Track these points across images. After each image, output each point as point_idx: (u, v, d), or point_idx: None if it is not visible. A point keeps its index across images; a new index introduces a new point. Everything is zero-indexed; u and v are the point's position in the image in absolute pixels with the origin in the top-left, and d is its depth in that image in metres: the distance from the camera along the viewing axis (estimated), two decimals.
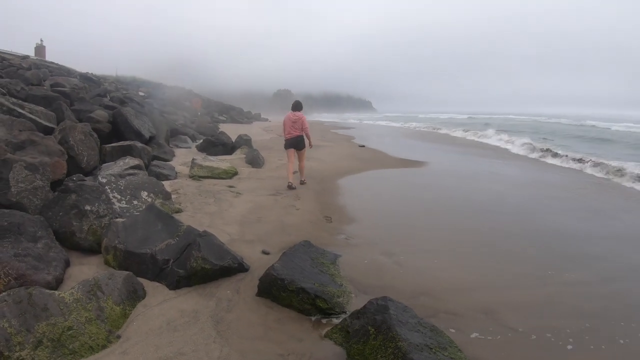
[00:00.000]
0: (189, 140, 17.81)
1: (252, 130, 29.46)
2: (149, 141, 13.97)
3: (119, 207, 6.78)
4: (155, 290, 4.68)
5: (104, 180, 7.14)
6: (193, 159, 11.83)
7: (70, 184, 5.85)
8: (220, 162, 12.20)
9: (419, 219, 8.12)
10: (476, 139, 28.58)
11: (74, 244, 5.53)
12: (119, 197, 6.99)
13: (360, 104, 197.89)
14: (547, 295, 5.02)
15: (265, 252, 5.98)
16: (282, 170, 12.54)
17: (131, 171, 9.37)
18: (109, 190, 6.92)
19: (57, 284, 4.55)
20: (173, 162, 13.28)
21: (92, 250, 5.56)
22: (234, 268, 5.09)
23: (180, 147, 16.89)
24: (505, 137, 26.87)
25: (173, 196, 8.64)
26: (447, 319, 4.38)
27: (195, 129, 23.50)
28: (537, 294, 5.04)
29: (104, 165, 10.23)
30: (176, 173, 11.36)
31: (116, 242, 5.12)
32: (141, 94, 32.90)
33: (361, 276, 5.33)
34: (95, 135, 11.27)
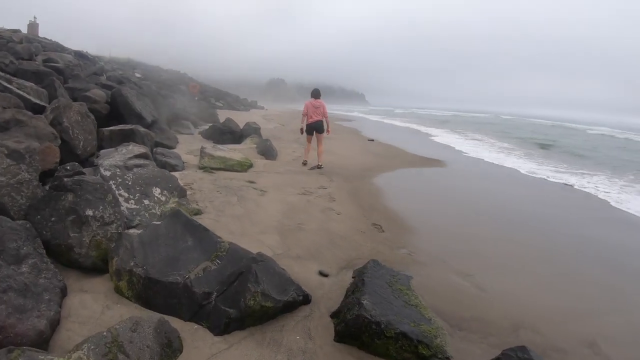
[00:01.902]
0: (190, 126, 16.23)
1: (252, 118, 27.77)
2: (151, 125, 12.44)
3: (127, 208, 5.30)
4: (195, 337, 3.27)
5: (108, 173, 5.64)
6: (202, 148, 10.32)
7: (66, 180, 4.35)
8: (232, 152, 10.70)
9: (476, 228, 6.98)
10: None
11: (72, 261, 4.06)
12: (126, 195, 5.51)
13: (353, 96, 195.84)
14: None
15: (323, 274, 4.63)
16: (299, 164, 11.12)
17: (137, 161, 7.85)
18: (114, 187, 5.43)
19: (51, 330, 3.10)
20: (177, 150, 11.76)
21: (96, 268, 4.10)
22: (298, 302, 3.69)
23: (183, 134, 15.31)
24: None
25: (187, 193, 7.16)
26: (559, 358, 3.68)
27: (195, 114, 21.86)
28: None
29: (102, 152, 8.71)
30: (183, 163, 9.86)
31: (132, 264, 3.65)
32: (137, 75, 31.11)
33: (444, 304, 4.32)
34: (93, 117, 9.75)
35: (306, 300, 3.84)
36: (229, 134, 13.64)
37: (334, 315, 3.70)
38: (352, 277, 4.54)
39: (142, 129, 10.50)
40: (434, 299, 4.35)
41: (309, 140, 11.57)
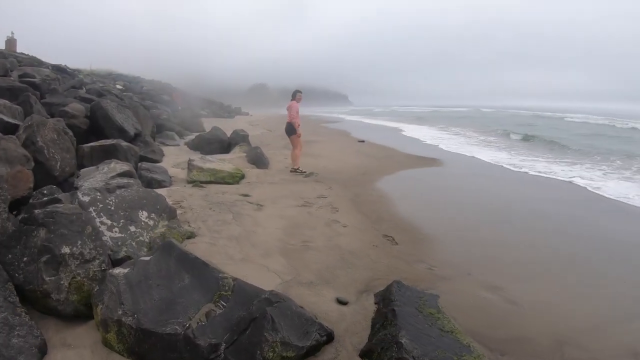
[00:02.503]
0: (176, 136, 15.56)
1: (238, 125, 27.06)
2: (134, 139, 11.76)
3: (111, 238, 4.65)
4: None
5: (87, 199, 4.97)
6: (190, 160, 9.68)
7: (37, 212, 3.71)
8: (222, 163, 10.06)
9: (491, 232, 6.54)
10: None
11: (50, 309, 3.43)
12: (109, 222, 4.86)
13: (336, 97, 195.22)
14: None
15: (341, 302, 4.07)
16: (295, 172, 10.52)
17: (120, 180, 7.19)
18: (94, 214, 4.79)
19: None
20: (164, 163, 11.09)
21: (79, 314, 3.48)
22: (321, 343, 3.12)
23: (168, 145, 14.61)
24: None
25: (177, 212, 6.53)
26: None
27: (180, 124, 21.12)
28: None
29: (82, 171, 8.06)
30: (171, 178, 9.21)
31: (120, 312, 3.05)
32: (118, 86, 30.14)
33: (478, 325, 3.87)
34: (71, 133, 9.08)
35: (330, 338, 3.26)
36: (217, 143, 12.98)
37: (365, 356, 3.14)
38: (375, 303, 4.04)
39: (124, 143, 9.85)
40: (467, 320, 3.89)
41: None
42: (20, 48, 34.88)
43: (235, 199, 7.41)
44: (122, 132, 11.34)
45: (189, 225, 5.95)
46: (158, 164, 10.87)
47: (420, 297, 3.85)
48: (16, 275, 3.49)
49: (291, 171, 10.54)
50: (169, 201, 7.21)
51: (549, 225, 7.00)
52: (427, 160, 13.51)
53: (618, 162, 14.48)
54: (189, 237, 5.48)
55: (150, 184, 8.54)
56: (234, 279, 3.26)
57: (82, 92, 16.01)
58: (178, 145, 14.75)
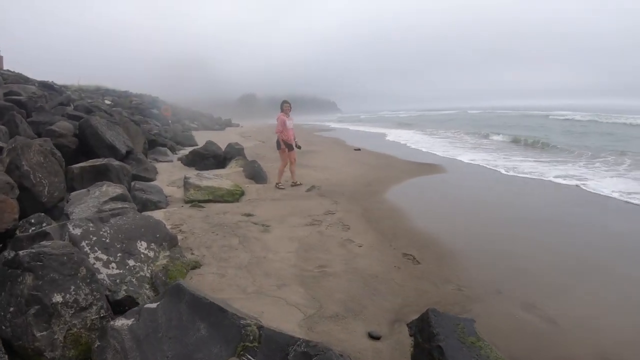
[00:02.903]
0: (168, 152, 15.02)
1: (230, 137, 26.53)
2: (125, 157, 11.24)
3: (108, 275, 4.14)
4: None
5: (78, 232, 4.43)
6: (186, 178, 9.16)
7: (22, 254, 3.18)
8: (219, 180, 9.54)
9: (514, 242, 6.13)
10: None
11: None
12: (104, 257, 4.34)
13: (325, 105, 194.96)
14: None
15: (374, 337, 3.63)
16: (295, 186, 10.00)
17: (113, 205, 6.68)
18: (87, 249, 4.27)
19: None
20: (158, 182, 10.58)
21: None
22: None
23: (161, 162, 14.07)
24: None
25: (178, 237, 6.01)
26: None
27: (172, 139, 20.57)
28: None
29: (73, 195, 7.55)
30: (167, 197, 8.69)
31: None
32: (107, 102, 29.50)
33: (520, 349, 3.56)
34: (59, 154, 8.57)
35: None
36: (212, 158, 12.45)
37: None
38: (410, 335, 3.65)
39: (115, 162, 9.34)
40: (506, 344, 3.59)
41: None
42: (6, 65, 34.12)
43: (239, 219, 6.90)
44: (113, 150, 10.84)
45: (192, 253, 5.44)
46: (152, 183, 10.36)
47: (457, 325, 3.43)
48: (3, 327, 2.98)
49: (283, 185, 10.02)
50: (168, 225, 6.70)
51: (567, 230, 6.64)
52: (429, 167, 13.08)
53: (609, 158, 14.21)
54: (193, 268, 4.97)
55: (146, 205, 8.03)
56: (259, 327, 2.76)
57: (70, 109, 15.46)
58: (171, 161, 14.21)
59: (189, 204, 8.16)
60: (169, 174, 11.46)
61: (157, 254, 4.95)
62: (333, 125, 51.90)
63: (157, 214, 7.43)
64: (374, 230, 6.46)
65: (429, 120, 54.97)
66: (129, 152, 11.47)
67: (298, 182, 10.15)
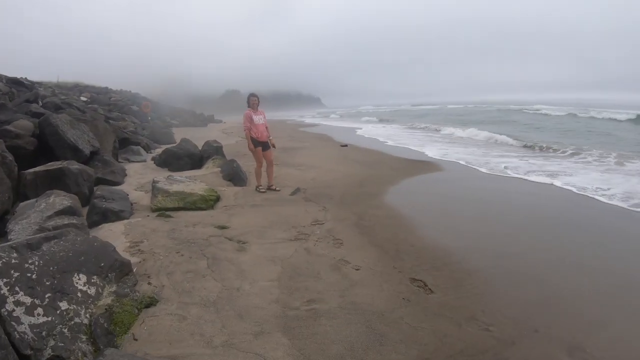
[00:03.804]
0: (142, 151, 13.71)
1: (211, 134, 25.30)
2: (90, 158, 10.00)
3: (30, 327, 3.02)
4: None
5: None
6: (154, 182, 7.97)
7: None
8: (193, 182, 8.35)
9: (540, 258, 5.06)
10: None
11: None
12: (28, 301, 3.21)
13: (309, 100, 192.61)
14: None
15: None
16: (274, 190, 8.82)
17: (58, 221, 5.49)
18: (6, 290, 3.13)
19: None
20: (125, 186, 9.37)
21: None
22: None
23: (133, 162, 12.80)
24: None
25: (134, 259, 4.87)
26: None
27: (149, 136, 19.23)
28: None
29: (20, 206, 6.42)
30: (132, 205, 7.51)
31: None
32: (83, 98, 27.97)
33: None
34: (10, 158, 7.37)
35: None
36: (187, 158, 11.18)
37: None
38: None
39: (75, 165, 8.15)
40: None
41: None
42: None
43: (210, 233, 5.75)
44: (75, 152, 9.59)
45: (150, 282, 4.30)
46: (118, 188, 9.14)
47: None
48: None
49: (263, 188, 8.83)
50: (126, 242, 5.55)
51: (593, 240, 5.60)
52: (422, 164, 12.01)
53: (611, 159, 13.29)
54: (147, 306, 3.84)
55: (106, 216, 6.85)
56: None
57: (35, 106, 14.00)
58: (144, 161, 12.94)
59: (156, 213, 6.99)
60: (139, 177, 10.23)
61: (100, 290, 3.81)
62: (310, 120, 50.52)
63: (116, 227, 6.29)
64: (373, 245, 5.34)
65: (405, 115, 54.15)
66: (94, 153, 10.22)
67: (276, 187, 8.90)
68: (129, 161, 12.88)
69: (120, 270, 4.23)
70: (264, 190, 8.64)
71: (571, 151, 14.34)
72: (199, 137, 19.24)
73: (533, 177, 9.92)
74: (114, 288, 3.91)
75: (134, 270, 4.68)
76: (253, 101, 8.82)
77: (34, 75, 36.41)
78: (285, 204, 7.46)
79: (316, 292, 4.03)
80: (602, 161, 12.33)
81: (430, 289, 4.16)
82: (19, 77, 26.67)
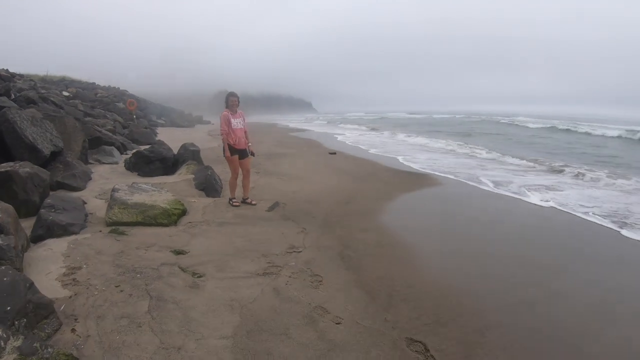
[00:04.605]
0: (115, 152, 12.60)
1: (196, 135, 24.19)
2: (51, 159, 8.92)
3: None
4: None
5: None
6: (113, 190, 6.92)
7: None
8: (158, 192, 7.28)
9: (586, 318, 3.94)
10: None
11: None
12: None
13: (300, 104, 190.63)
14: None
15: None
16: (248, 204, 7.77)
17: None
18: None
19: None
20: (87, 192, 8.30)
21: None
22: None
23: (104, 163, 11.70)
24: None
25: (65, 292, 3.86)
26: None
27: (128, 136, 18.09)
28: None
29: None
30: (86, 217, 6.46)
31: None
32: (66, 93, 26.65)
33: None
34: None
35: None
36: (159, 162, 10.08)
37: None
38: None
39: (26, 168, 7.09)
40: None
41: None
42: None
43: (164, 259, 4.72)
44: (33, 152, 8.53)
45: (74, 329, 3.30)
46: (78, 193, 8.11)
47: None
48: None
49: (237, 201, 7.74)
50: (62, 267, 4.55)
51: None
52: (415, 177, 11.02)
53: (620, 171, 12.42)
54: None
55: (51, 230, 5.78)
56: None
57: (2, 100, 12.83)
58: (116, 163, 11.83)
59: (109, 229, 5.94)
60: (103, 182, 9.15)
61: (2, 343, 2.79)
62: (313, 125, 49.42)
63: (59, 246, 5.25)
64: (359, 286, 4.28)
65: (388, 123, 53.57)
66: (56, 153, 9.12)
67: (252, 201, 7.84)
68: (100, 163, 11.78)
69: (35, 314, 3.23)
70: (237, 203, 7.58)
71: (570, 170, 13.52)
72: (183, 139, 18.13)
73: (539, 196, 8.99)
74: (18, 342, 2.87)
75: (62, 308, 3.68)
76: (232, 101, 7.64)
77: (23, 68, 35.17)
78: (258, 223, 6.42)
79: (281, 358, 3.02)
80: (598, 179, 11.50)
81: (432, 356, 3.16)
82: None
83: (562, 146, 22.80)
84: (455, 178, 11.15)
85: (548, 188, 10.00)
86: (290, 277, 4.36)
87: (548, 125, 40.07)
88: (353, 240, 5.72)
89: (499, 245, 5.85)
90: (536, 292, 4.32)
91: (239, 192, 7.85)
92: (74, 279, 4.29)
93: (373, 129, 36.92)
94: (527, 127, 40.43)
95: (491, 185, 10.23)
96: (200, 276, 4.30)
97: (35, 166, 7.52)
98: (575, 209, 8.01)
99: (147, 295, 3.88)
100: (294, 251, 5.12)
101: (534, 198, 8.85)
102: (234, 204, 7.56)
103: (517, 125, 43.04)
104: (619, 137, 28.68)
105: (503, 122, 48.68)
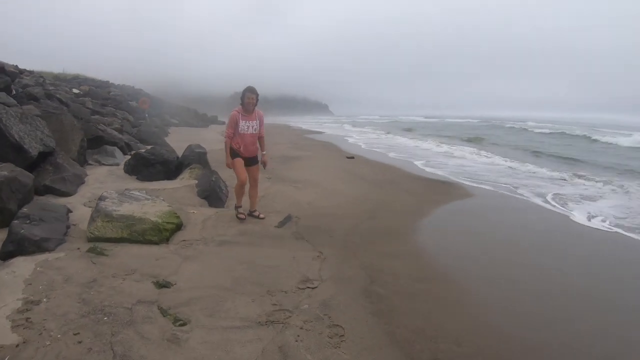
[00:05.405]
0: (117, 153, 11.70)
1: (209, 136, 23.35)
2: (40, 160, 8.06)
3: None
4: None
5: None
6: (100, 198, 5.96)
7: None
8: (152, 201, 6.27)
9: None
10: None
11: None
12: None
13: (317, 107, 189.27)
14: None
15: None
16: (256, 217, 6.69)
17: None
18: None
19: None
20: (76, 197, 7.42)
21: None
22: None
23: (104, 165, 10.81)
24: None
25: (12, 337, 2.89)
26: None
27: (136, 135, 17.24)
28: None
29: None
30: (67, 229, 5.53)
31: None
32: (76, 91, 26.02)
33: None
34: None
35: None
36: (159, 165, 9.08)
37: None
38: None
39: (3, 172, 6.24)
40: None
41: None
42: None
43: (142, 295, 3.71)
44: (19, 152, 7.65)
45: None
46: (64, 200, 7.21)
47: None
48: None
49: (244, 213, 6.60)
50: (19, 298, 3.64)
51: None
52: (445, 186, 9.88)
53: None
54: None
55: (22, 246, 4.87)
56: None
57: (0, 95, 12.03)
58: (118, 164, 10.91)
59: (89, 246, 4.98)
60: (97, 186, 8.21)
61: None
62: (314, 127, 48.38)
63: (25, 268, 4.35)
64: (392, 341, 3.16)
65: (405, 126, 53.00)
66: (45, 154, 8.22)
67: (259, 214, 6.73)
68: (100, 164, 10.90)
69: None
70: (243, 216, 6.48)
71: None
72: (195, 139, 17.31)
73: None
74: None
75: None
76: (249, 99, 6.32)
77: (41, 66, 35.13)
78: (266, 243, 5.36)
79: None
80: None
81: None
82: (16, 65, 24.92)
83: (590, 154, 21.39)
84: (492, 189, 10.00)
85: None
86: (302, 328, 3.29)
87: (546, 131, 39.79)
88: (381, 270, 4.62)
89: (582, 280, 4.73)
90: None
91: (245, 203, 6.79)
92: (27, 319, 3.34)
93: (389, 132, 36.30)
94: (544, 133, 39.54)
95: (548, 200, 9.00)
96: (183, 324, 3.26)
97: (18, 169, 6.63)
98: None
99: (110, 350, 2.88)
100: (308, 287, 4.04)
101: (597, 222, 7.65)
102: (240, 215, 6.46)
103: (543, 133, 41.65)
104: None
105: (528, 128, 47.77)
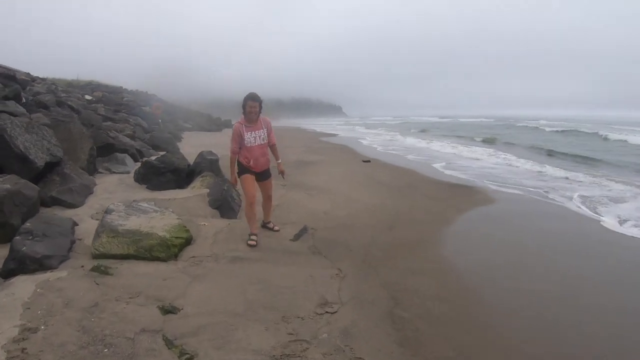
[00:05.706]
0: (128, 160, 11.49)
1: (222, 140, 23.11)
2: (47, 170, 7.86)
3: None
4: None
5: None
6: (107, 210, 5.70)
7: None
8: (160, 213, 5.98)
9: None
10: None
11: None
12: None
13: (330, 109, 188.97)
14: None
15: None
16: (270, 229, 6.33)
17: None
18: None
19: None
20: (84, 209, 7.19)
21: None
22: None
23: (115, 173, 10.60)
24: None
25: None
26: None
27: (148, 142, 17.06)
28: None
29: None
30: (72, 244, 5.29)
31: None
32: (88, 97, 26.06)
33: None
34: None
35: None
36: (170, 174, 8.80)
37: None
38: None
39: (6, 185, 6.02)
40: None
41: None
42: (7, 61, 30.81)
43: (145, 321, 3.41)
44: (24, 163, 7.46)
45: None
46: (71, 212, 6.99)
47: None
48: None
49: (255, 239, 5.69)
50: (15, 325, 3.39)
51: None
52: (468, 191, 9.48)
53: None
54: None
55: (23, 264, 4.64)
56: None
57: (10, 105, 11.90)
58: (128, 172, 10.69)
59: (94, 264, 4.71)
60: (106, 196, 7.98)
61: None
62: (328, 129, 47.99)
63: (24, 289, 4.10)
64: None
65: (420, 126, 53.51)
66: (52, 164, 8.01)
67: (274, 226, 6.34)
68: (110, 172, 10.70)
69: None
70: (254, 242, 5.62)
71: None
72: (209, 144, 17.11)
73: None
74: None
75: None
76: (251, 107, 5.69)
77: (56, 73, 35.59)
78: (281, 259, 5.03)
79: None
80: None
81: None
82: (25, 72, 25.03)
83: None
84: (518, 192, 9.57)
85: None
86: None
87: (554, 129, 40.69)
88: (405, 289, 4.25)
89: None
90: None
91: (258, 212, 6.37)
92: (23, 349, 3.08)
93: (403, 133, 35.99)
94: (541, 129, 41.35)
95: (577, 205, 8.55)
96: (190, 358, 2.94)
97: (22, 181, 6.42)
98: None
99: None
100: (327, 311, 3.69)
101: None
102: (250, 243, 5.61)
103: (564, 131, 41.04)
104: None
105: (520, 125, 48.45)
